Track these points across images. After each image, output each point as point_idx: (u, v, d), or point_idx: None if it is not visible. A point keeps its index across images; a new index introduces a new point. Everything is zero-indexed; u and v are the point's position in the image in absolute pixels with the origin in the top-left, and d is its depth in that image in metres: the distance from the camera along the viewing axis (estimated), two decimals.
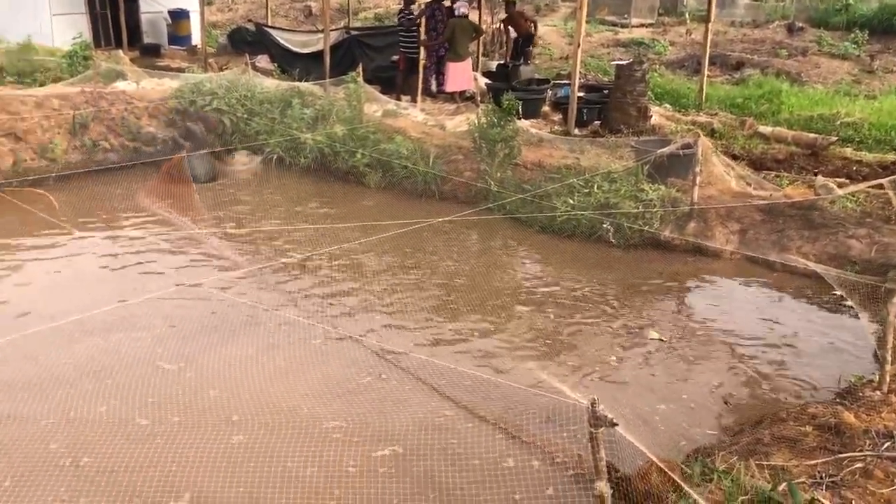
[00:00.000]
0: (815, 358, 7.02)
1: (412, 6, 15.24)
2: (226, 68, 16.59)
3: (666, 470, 4.01)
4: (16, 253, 9.26)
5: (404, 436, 5.76)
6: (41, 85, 14.08)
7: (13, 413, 5.96)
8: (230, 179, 12.42)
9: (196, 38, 20.53)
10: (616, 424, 3.44)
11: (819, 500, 3.77)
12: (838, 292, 7.89)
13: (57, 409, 6.01)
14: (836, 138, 13.01)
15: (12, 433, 5.70)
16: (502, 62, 16.60)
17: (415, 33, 14.83)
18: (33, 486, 5.16)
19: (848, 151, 12.81)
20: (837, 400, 5.66)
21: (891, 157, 12.38)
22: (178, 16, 21.43)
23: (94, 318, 7.18)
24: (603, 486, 3.43)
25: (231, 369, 6.72)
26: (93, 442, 5.63)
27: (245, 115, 13.18)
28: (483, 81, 15.57)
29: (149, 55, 19.64)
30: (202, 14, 17.97)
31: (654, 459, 4.04)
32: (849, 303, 7.88)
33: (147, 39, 21.01)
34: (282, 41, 17.45)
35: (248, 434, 5.78)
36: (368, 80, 14.12)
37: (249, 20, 22.49)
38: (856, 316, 7.53)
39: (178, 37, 21.45)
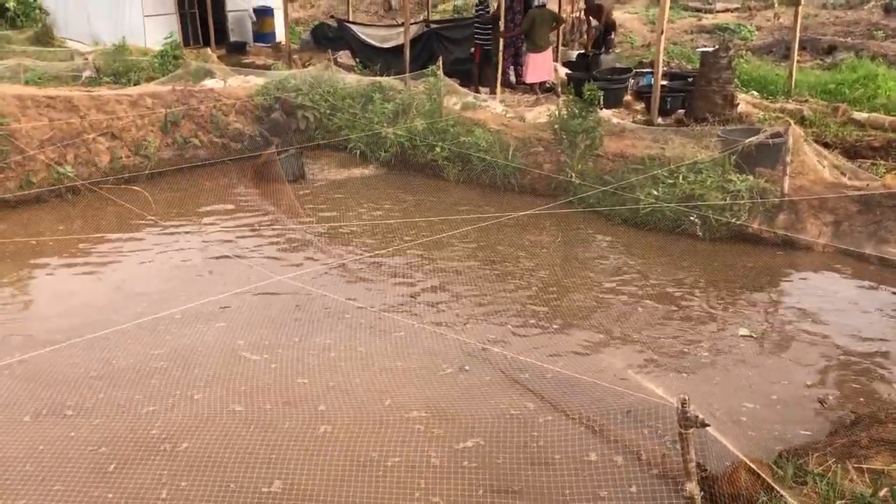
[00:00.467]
0: None
1: None
2: (309, 64, 16.90)
3: (757, 470, 3.91)
4: (114, 246, 9.68)
5: (486, 428, 5.79)
6: (135, 84, 14.63)
7: (116, 401, 6.25)
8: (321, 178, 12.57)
9: (280, 35, 20.96)
10: (707, 425, 3.37)
11: None
12: None
13: (155, 397, 6.27)
14: None
15: (115, 421, 5.98)
16: (583, 51, 16.41)
17: (490, 26, 14.79)
18: (136, 469, 5.40)
19: None
20: None
21: None
22: (263, 13, 21.91)
23: (192, 309, 7.47)
24: (693, 488, 3.38)
25: (317, 358, 6.87)
26: (191, 428, 5.86)
27: (328, 111, 13.39)
28: (563, 72, 15.41)
29: (235, 53, 20.17)
30: (286, 11, 18.30)
31: (745, 459, 3.94)
32: None
33: (233, 37, 21.56)
34: (362, 36, 17.63)
35: (334, 424, 5.90)
36: (447, 73, 14.14)
37: (331, 16, 22.83)
38: None
39: (263, 34, 21.94)
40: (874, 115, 13.25)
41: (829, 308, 7.74)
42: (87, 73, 15.68)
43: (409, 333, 7.31)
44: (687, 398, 3.42)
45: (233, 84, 14.75)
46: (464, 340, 7.11)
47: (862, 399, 6.09)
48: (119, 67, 15.89)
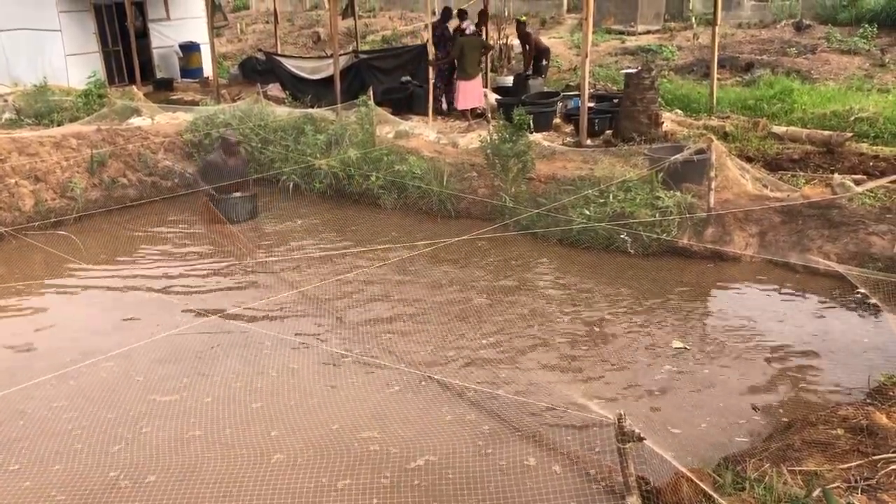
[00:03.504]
0: (843, 359, 6.95)
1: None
2: (238, 98, 16.77)
3: (696, 481, 3.98)
4: (38, 294, 9.37)
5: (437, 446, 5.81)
6: (58, 125, 14.29)
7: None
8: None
9: (208, 70, 20.77)
10: (644, 439, 3.42)
11: None
12: (862, 291, 7.83)
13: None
14: (851, 134, 12.92)
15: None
16: (519, 73, 16.76)
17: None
18: None
19: (864, 147, 12.72)
20: (868, 401, 5.59)
21: None
22: (189, 49, 21.70)
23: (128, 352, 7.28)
24: (634, 502, 3.41)
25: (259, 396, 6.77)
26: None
27: (259, 145, 13.29)
28: (493, 97, 15.64)
29: (162, 89, 19.90)
30: (212, 46, 18.16)
31: (685, 471, 4.01)
32: (873, 301, 7.82)
33: (159, 74, 21.28)
34: (292, 68, 17.58)
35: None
36: (379, 103, 14.22)
37: (259, 49, 22.72)
38: (880, 314, 7.47)
39: (190, 69, 21.71)
40: (792, 128, 13.77)
41: (759, 316, 7.97)
42: (6, 115, 15.27)
43: (352, 364, 7.28)
44: (623, 413, 3.47)
45: (160, 121, 14.54)
46: (403, 369, 7.09)
47: (793, 403, 6.27)
48: (41, 108, 15.51)
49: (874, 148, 12.61)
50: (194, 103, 16.43)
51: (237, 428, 6.31)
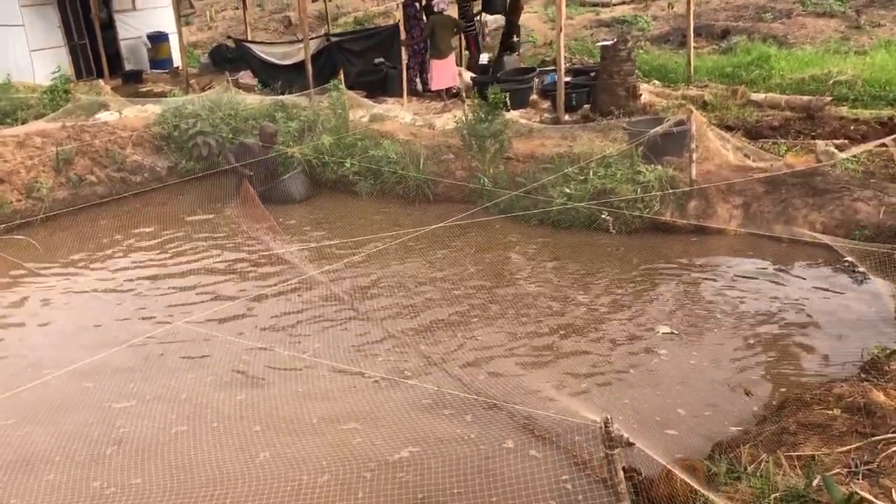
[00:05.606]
0: (834, 332, 6.80)
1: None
2: (208, 88, 16.39)
3: (685, 478, 3.81)
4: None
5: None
6: (23, 123, 13.88)
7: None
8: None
9: (178, 60, 20.33)
10: (633, 444, 3.24)
11: (859, 494, 3.55)
12: (849, 260, 7.68)
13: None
14: (830, 98, 12.78)
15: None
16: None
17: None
18: None
19: (844, 110, 12.58)
20: (863, 376, 5.44)
21: (887, 112, 12.15)
22: (157, 39, 21.20)
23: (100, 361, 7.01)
24: None
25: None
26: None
27: (230, 135, 12.96)
28: (468, 76, 15.36)
29: (131, 82, 19.43)
30: (180, 35, 17.74)
31: (676, 470, 3.83)
32: (861, 269, 7.67)
33: (128, 66, 20.78)
34: (262, 55, 17.20)
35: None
36: (352, 86, 13.92)
37: (229, 37, 22.28)
38: (869, 282, 7.33)
39: (159, 60, 21.22)
40: (770, 94, 13.60)
41: (746, 293, 7.79)
42: None
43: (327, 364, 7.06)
44: (609, 418, 3.28)
45: (129, 115, 14.15)
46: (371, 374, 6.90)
47: (785, 382, 6.11)
48: (6, 107, 15.07)
49: (854, 111, 12.47)
50: (164, 95, 16.03)
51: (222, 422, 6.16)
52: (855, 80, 13.50)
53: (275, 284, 8.81)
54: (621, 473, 3.30)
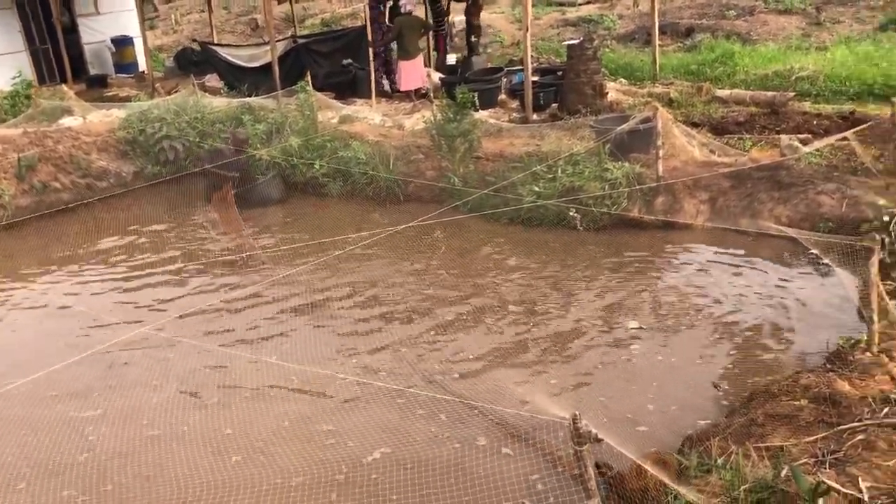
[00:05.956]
0: (800, 323, 6.90)
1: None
2: (174, 91, 16.22)
3: (654, 472, 3.83)
4: None
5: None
6: None
7: None
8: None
9: (143, 64, 20.08)
10: (601, 440, 3.25)
11: (826, 483, 3.60)
12: (814, 252, 7.79)
13: None
14: (793, 94, 12.96)
15: None
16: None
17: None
18: None
19: (807, 105, 12.78)
20: (828, 366, 5.51)
21: (848, 106, 12.37)
22: (122, 43, 20.92)
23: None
24: None
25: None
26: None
27: (197, 139, 12.84)
28: (437, 77, 15.36)
29: (96, 86, 19.16)
30: (145, 39, 17.57)
31: (647, 466, 3.85)
32: (826, 261, 7.78)
33: (92, 71, 20.48)
34: (228, 57, 17.06)
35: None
36: (320, 88, 13.84)
37: (194, 40, 22.06)
38: (833, 275, 7.44)
39: (125, 65, 20.93)
40: (735, 91, 13.77)
41: (714, 286, 7.88)
42: None
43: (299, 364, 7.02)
44: (578, 414, 3.29)
45: (94, 119, 13.97)
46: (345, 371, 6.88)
47: (753, 373, 6.16)
48: None
49: (816, 106, 12.68)
50: (128, 99, 15.83)
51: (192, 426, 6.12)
52: (817, 76, 13.71)
53: (245, 287, 8.74)
54: (591, 469, 3.31)
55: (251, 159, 11.90)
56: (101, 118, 14.09)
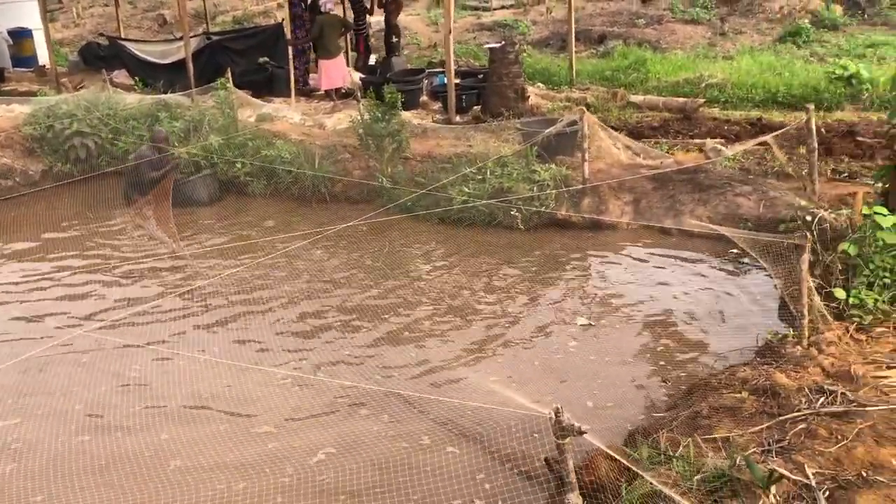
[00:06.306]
0: (726, 320, 7.16)
1: None
2: (81, 87, 15.56)
3: (615, 455, 3.93)
4: None
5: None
6: None
7: None
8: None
9: (43, 58, 19.14)
10: (585, 432, 3.30)
11: (778, 471, 3.77)
12: (735, 251, 8.14)
13: None
14: (703, 100, 13.50)
15: None
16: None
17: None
18: None
19: (716, 111, 13.34)
20: (758, 359, 5.76)
21: (755, 113, 12.97)
22: (20, 35, 19.89)
23: None
24: (575, 499, 3.29)
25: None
26: None
27: (110, 135, 12.35)
28: (357, 76, 15.26)
29: None
30: (46, 31, 16.72)
31: (616, 455, 3.94)
32: (745, 260, 8.14)
33: None
34: (139, 53, 16.45)
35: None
36: (238, 86, 13.52)
37: (101, 34, 21.20)
38: (755, 271, 7.78)
39: (22, 58, 19.90)
40: (649, 97, 14.24)
41: (640, 283, 8.12)
42: None
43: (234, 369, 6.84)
44: (560, 407, 3.33)
45: None
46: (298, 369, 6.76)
47: (688, 369, 6.36)
48: None
49: (725, 113, 13.26)
50: (31, 94, 15.07)
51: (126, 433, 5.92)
52: (725, 84, 14.32)
53: (172, 288, 8.46)
54: (571, 463, 3.36)
55: (172, 158, 11.50)
56: (2, 113, 13.38)
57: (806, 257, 5.21)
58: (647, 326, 7.19)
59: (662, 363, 6.53)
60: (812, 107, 8.61)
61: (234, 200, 11.53)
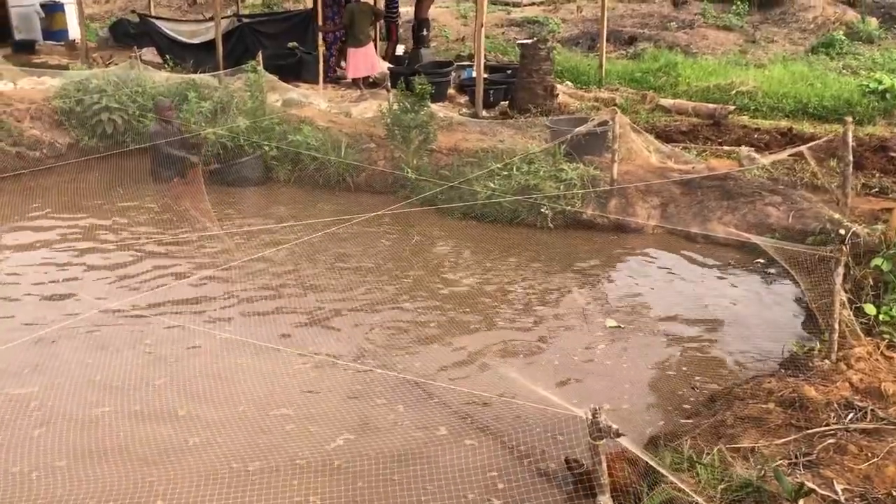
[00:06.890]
0: (751, 329, 7.05)
1: None
2: (111, 63, 15.63)
3: (652, 462, 3.88)
4: None
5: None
6: None
7: None
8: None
9: (74, 32, 19.24)
10: (622, 435, 3.26)
11: (807, 485, 3.72)
12: (761, 260, 8.05)
13: None
14: (733, 107, 13.39)
15: None
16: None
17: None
18: None
19: (745, 119, 13.23)
20: (783, 371, 5.69)
21: (784, 123, 12.84)
22: (52, 9, 20.04)
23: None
24: (606, 501, 3.26)
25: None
26: None
27: (137, 112, 12.39)
28: (385, 66, 15.25)
29: (23, 52, 18.28)
30: (80, 6, 16.77)
31: (647, 458, 3.89)
32: (771, 270, 8.06)
33: (18, 35, 19.52)
34: (169, 32, 16.51)
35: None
36: (266, 69, 13.53)
37: (132, 11, 21.29)
38: (783, 282, 7.70)
39: (54, 31, 20.05)
40: (678, 101, 14.12)
41: (671, 288, 8.02)
42: None
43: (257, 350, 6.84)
44: (598, 408, 3.30)
45: (25, 86, 13.32)
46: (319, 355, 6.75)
47: (712, 378, 6.25)
48: None
49: (754, 121, 13.14)
50: (62, 67, 15.15)
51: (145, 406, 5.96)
52: (755, 92, 14.18)
53: (201, 267, 8.48)
54: (605, 464, 3.33)
55: (194, 136, 11.52)
56: (32, 85, 13.45)
57: (840, 270, 5.14)
58: (672, 332, 7.10)
59: (685, 369, 6.46)
60: (850, 119, 8.47)
61: (280, 185, 11.50)
